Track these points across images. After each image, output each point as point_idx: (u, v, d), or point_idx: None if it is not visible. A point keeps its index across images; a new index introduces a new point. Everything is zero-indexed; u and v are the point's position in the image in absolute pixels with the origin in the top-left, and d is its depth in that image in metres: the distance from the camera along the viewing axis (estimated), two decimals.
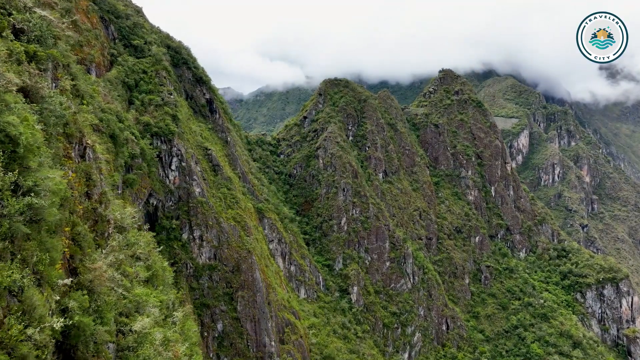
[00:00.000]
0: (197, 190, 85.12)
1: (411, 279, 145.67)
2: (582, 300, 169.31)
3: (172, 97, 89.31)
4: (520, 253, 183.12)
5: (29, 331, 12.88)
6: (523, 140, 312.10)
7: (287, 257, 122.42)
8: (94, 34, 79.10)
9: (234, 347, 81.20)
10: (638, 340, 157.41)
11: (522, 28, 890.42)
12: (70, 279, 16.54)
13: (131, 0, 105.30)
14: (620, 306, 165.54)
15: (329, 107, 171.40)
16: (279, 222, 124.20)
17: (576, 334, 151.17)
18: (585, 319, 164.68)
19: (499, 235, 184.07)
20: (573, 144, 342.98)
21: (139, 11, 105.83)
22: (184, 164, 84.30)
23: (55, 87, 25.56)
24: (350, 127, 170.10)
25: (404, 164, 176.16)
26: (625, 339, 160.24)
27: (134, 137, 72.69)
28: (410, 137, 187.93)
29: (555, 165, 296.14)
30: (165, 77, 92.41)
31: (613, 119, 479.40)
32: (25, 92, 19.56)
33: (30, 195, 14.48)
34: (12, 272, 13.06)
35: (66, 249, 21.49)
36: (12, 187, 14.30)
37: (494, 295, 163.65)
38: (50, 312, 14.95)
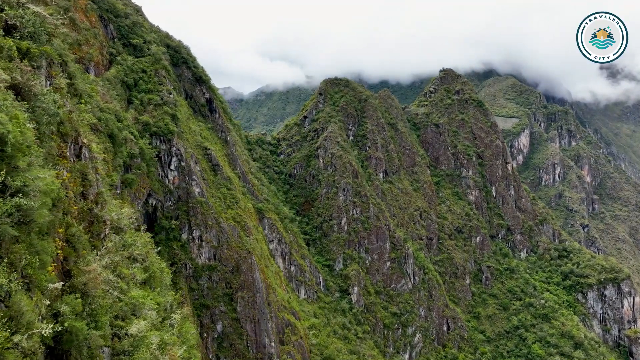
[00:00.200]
0: (197, 190, 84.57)
1: (412, 280, 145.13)
2: (584, 300, 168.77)
3: (171, 96, 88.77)
4: (521, 253, 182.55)
5: (16, 338, 12.33)
6: (524, 140, 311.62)
7: (287, 257, 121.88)
8: (93, 33, 78.51)
9: (234, 348, 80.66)
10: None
11: (522, 28, 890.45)
12: (62, 283, 15.96)
13: None
14: (622, 307, 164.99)
15: (329, 106, 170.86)
16: (279, 222, 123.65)
17: (577, 334, 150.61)
18: (586, 320, 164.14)
19: (499, 236, 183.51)
20: (574, 143, 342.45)
21: (138, 10, 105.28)
22: (183, 163, 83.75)
23: (50, 85, 25.00)
24: (350, 127, 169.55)
25: (404, 163, 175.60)
26: (626, 339, 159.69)
27: (133, 137, 72.13)
28: (410, 137, 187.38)
29: (556, 165, 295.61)
30: (164, 77, 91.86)
31: (614, 118, 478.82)
32: (17, 90, 19.00)
33: (19, 196, 13.93)
34: None
35: (60, 251, 20.93)
36: None
37: (494, 296, 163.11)
38: (40, 317, 14.39)
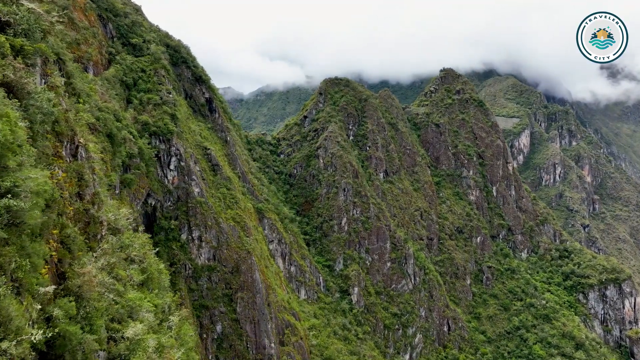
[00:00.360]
0: (196, 190, 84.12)
1: (412, 280, 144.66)
2: (585, 301, 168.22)
3: (170, 96, 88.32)
4: (522, 253, 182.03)
5: (4, 345, 11.87)
6: (524, 140, 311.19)
7: (287, 257, 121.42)
8: (92, 32, 78.02)
9: (233, 349, 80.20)
10: None
11: (522, 27, 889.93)
12: (53, 287, 15.49)
13: None
14: (623, 307, 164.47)
15: (329, 106, 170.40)
16: (279, 223, 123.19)
17: (579, 335, 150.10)
18: (587, 320, 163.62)
19: (500, 236, 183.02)
20: (574, 143, 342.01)
21: (137, 9, 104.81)
22: (182, 163, 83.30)
23: (45, 83, 24.54)
24: (350, 127, 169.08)
25: (405, 163, 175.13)
26: (628, 340, 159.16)
27: (132, 137, 71.70)
28: (411, 137, 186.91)
29: (557, 165, 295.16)
30: (164, 76, 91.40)
31: (614, 118, 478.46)
32: (9, 88, 18.54)
33: (9, 197, 13.46)
34: None
35: (54, 253, 20.45)
36: None
37: (495, 296, 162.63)
38: (31, 322, 13.93)
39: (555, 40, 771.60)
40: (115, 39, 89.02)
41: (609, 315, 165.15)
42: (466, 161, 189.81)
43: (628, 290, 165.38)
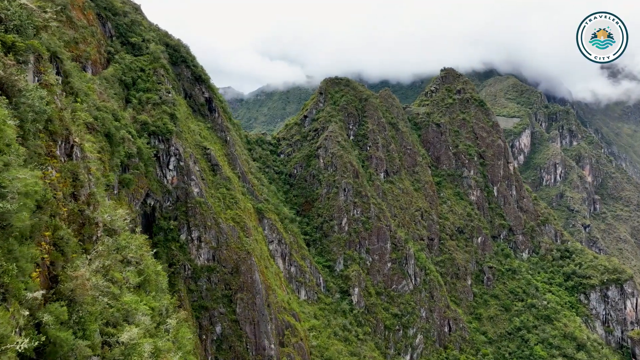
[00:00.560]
0: (196, 190, 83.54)
1: (413, 280, 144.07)
2: (586, 301, 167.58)
3: (170, 95, 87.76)
4: (523, 254, 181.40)
5: None
6: (525, 140, 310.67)
7: (287, 258, 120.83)
8: (90, 31, 77.46)
9: (233, 350, 79.62)
10: None
11: (522, 27, 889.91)
12: (42, 292, 14.86)
13: None
14: (625, 308, 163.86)
15: (329, 106, 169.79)
16: (279, 223, 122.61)
17: (580, 336, 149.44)
18: (589, 321, 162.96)
19: (501, 236, 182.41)
20: (575, 143, 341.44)
21: (137, 8, 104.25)
22: (182, 163, 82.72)
23: (38, 80, 23.92)
24: (351, 127, 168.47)
25: (405, 163, 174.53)
26: (629, 341, 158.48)
27: (130, 136, 71.15)
28: (411, 137, 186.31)
29: (557, 165, 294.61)
30: (163, 76, 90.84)
31: (614, 118, 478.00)
32: None
33: None
34: None
35: (46, 256, 19.83)
36: None
37: (496, 297, 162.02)
38: (18, 329, 13.32)
39: (555, 40, 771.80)
40: (114, 38, 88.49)
41: (611, 316, 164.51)
42: (467, 161, 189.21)
43: (630, 290, 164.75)
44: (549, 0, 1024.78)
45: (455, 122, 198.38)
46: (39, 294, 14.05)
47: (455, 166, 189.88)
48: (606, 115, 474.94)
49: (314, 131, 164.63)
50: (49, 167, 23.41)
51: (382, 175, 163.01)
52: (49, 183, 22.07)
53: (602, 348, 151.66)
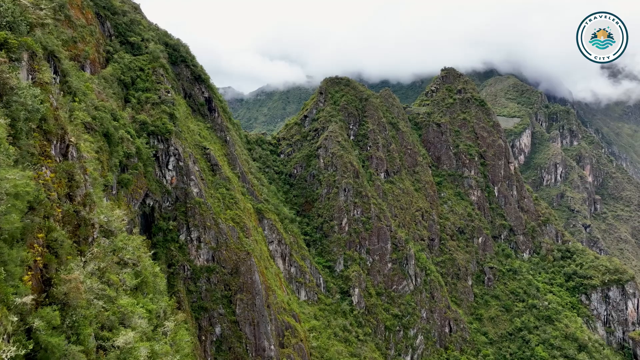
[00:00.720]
0: (195, 190, 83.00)
1: (413, 281, 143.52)
2: (587, 302, 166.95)
3: (169, 95, 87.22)
4: (524, 254, 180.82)
5: None
6: (525, 140, 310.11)
7: (287, 258, 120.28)
8: (89, 30, 76.91)
9: (233, 351, 79.07)
10: None
11: (522, 27, 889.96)
12: (31, 297, 14.35)
13: None
14: (626, 308, 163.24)
15: (329, 105, 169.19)
16: (278, 223, 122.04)
17: (581, 336, 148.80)
18: (590, 322, 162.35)
19: (502, 236, 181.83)
20: (575, 143, 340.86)
21: (136, 8, 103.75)
22: (181, 163, 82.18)
23: (32, 79, 23.42)
24: (351, 126, 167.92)
25: (406, 163, 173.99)
26: (631, 341, 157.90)
27: (129, 136, 70.64)
28: (412, 137, 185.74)
29: (558, 165, 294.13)
30: (162, 75, 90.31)
31: (615, 118, 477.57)
32: None
33: None
34: None
35: (38, 258, 19.34)
36: None
37: (497, 297, 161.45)
38: (6, 336, 12.82)
39: (555, 40, 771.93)
40: (113, 38, 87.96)
41: (612, 316, 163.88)
42: (467, 161, 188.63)
43: (631, 291, 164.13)
44: (549, 0, 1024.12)
45: (456, 122, 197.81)
46: (28, 298, 13.55)
47: (456, 166, 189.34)
48: (606, 115, 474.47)
49: (314, 131, 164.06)
50: (43, 167, 22.89)
51: (382, 175, 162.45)
52: (42, 183, 21.55)
53: (604, 349, 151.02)
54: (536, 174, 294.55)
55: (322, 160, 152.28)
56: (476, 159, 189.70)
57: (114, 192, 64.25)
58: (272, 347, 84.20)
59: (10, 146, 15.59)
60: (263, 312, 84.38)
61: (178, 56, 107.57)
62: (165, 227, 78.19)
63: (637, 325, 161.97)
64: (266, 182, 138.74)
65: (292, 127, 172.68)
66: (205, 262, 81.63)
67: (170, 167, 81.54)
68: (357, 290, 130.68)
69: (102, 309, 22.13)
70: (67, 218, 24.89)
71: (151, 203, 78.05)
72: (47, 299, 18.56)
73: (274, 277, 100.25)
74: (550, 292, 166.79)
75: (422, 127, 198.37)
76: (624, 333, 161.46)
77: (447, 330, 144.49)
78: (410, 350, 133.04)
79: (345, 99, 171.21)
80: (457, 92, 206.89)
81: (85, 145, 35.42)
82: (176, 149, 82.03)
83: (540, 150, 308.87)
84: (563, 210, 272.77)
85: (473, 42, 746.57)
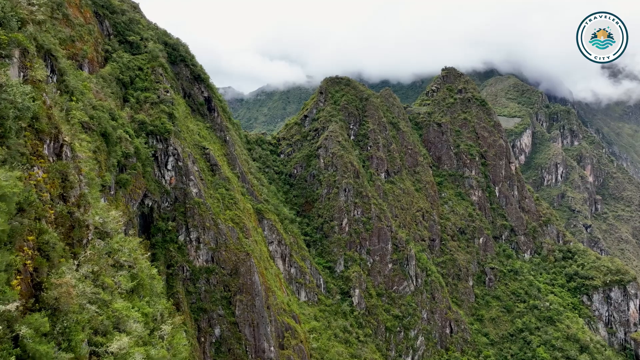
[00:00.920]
0: (194, 190, 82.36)
1: (414, 281, 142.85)
2: (589, 303, 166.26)
3: (168, 94, 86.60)
4: (525, 254, 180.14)
5: None
6: (526, 140, 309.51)
7: (287, 259, 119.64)
8: (87, 29, 76.27)
9: (232, 352, 78.44)
10: None
11: (523, 27, 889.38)
12: (17, 303, 13.69)
13: None
14: (628, 309, 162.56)
15: (330, 105, 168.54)
16: (278, 223, 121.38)
17: (583, 337, 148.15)
18: (592, 323, 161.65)
19: (503, 237, 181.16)
20: (576, 143, 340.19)
21: (135, 7, 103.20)
22: (180, 163, 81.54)
23: (23, 76, 22.76)
24: (351, 126, 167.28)
25: (406, 163, 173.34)
26: (632, 342, 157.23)
27: (128, 136, 70.00)
28: (412, 137, 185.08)
29: (558, 165, 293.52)
30: (161, 74, 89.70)
31: (615, 118, 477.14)
32: None
33: None
34: None
35: (28, 262, 18.66)
36: None
37: (498, 298, 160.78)
38: None
39: (555, 40, 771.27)
40: (111, 37, 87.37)
41: (614, 317, 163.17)
42: (468, 161, 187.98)
43: (633, 292, 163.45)
44: (549, 0, 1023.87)
45: (457, 122, 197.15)
46: (13, 305, 12.88)
47: (457, 166, 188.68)
48: (607, 115, 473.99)
49: (314, 131, 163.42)
50: (35, 168, 22.20)
51: (383, 175, 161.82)
52: (33, 184, 20.86)
53: (605, 350, 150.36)
54: (537, 174, 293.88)
55: (322, 160, 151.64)
56: (477, 159, 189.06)
57: (112, 192, 63.61)
58: (272, 348, 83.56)
59: None
60: (263, 313, 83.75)
61: (177, 55, 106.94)
62: (164, 227, 77.56)
63: (639, 326, 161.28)
64: (266, 182, 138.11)
65: (292, 127, 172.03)
66: (205, 263, 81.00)
67: (169, 167, 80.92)
68: (357, 291, 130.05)
69: (96, 314, 21.44)
70: (60, 220, 24.22)
71: (150, 203, 77.40)
72: (36, 305, 17.86)
73: (273, 278, 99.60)
74: (552, 292, 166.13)
75: (423, 127, 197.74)
76: (625, 334, 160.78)
77: (448, 331, 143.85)
78: (411, 351, 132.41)
79: (345, 98, 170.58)
80: (457, 91, 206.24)
81: (81, 145, 34.73)
82: (175, 149, 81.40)
83: (540, 150, 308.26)
84: (564, 210, 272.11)
85: (473, 42, 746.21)
